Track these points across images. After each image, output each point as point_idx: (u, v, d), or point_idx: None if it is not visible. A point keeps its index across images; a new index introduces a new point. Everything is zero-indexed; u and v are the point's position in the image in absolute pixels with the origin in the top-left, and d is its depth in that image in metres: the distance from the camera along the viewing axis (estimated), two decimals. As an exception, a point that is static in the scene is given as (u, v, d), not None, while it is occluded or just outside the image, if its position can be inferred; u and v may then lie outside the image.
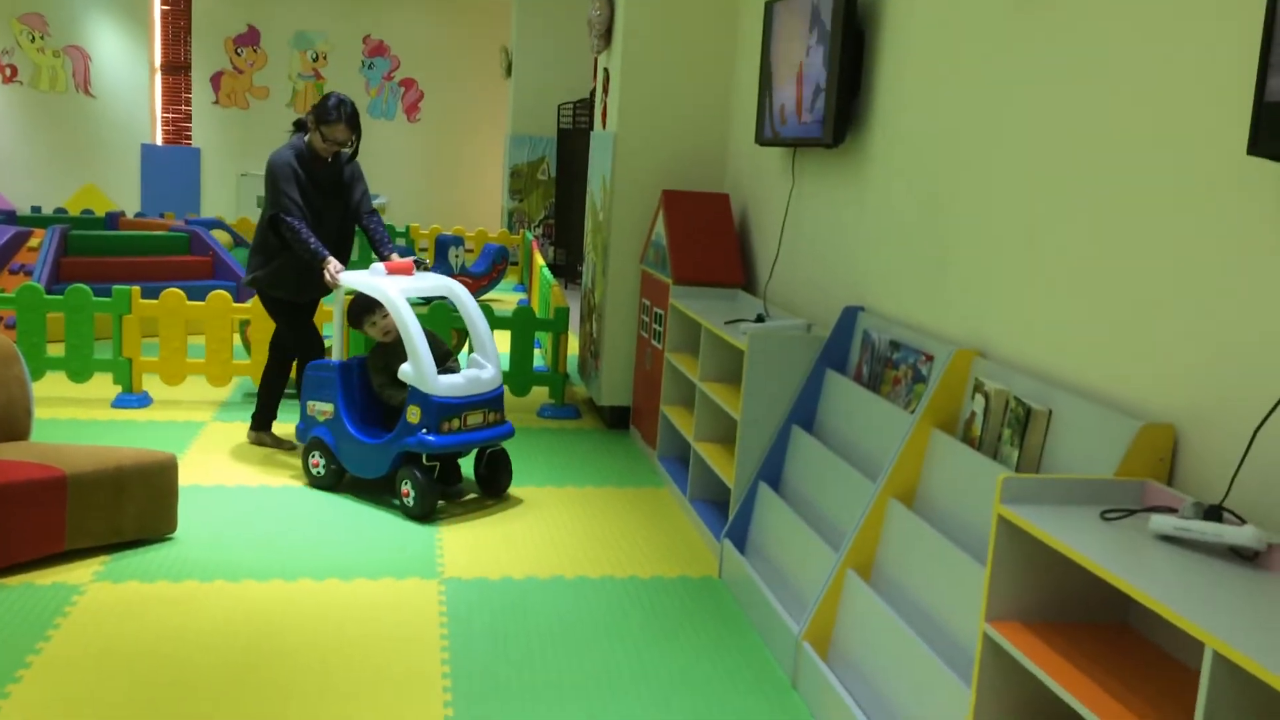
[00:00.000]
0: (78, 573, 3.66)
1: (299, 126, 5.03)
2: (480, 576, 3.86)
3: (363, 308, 4.67)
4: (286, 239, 4.87)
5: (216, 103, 14.14)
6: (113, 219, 9.79)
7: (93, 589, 3.55)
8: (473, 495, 4.74)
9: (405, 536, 4.20)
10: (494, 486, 4.71)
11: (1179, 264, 2.39)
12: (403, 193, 14.34)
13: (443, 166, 14.71)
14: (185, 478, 4.66)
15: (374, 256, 4.95)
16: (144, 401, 6.00)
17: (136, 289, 5.97)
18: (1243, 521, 1.99)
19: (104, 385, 6.16)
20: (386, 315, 4.57)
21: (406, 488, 4.36)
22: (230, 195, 13.98)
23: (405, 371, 4.37)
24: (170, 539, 4.02)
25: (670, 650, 3.36)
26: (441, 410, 4.32)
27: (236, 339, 6.66)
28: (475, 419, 4.45)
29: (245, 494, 4.61)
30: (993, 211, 3.17)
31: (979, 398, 2.97)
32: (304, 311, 5.20)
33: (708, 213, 5.38)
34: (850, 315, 3.94)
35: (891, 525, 3.13)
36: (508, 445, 4.80)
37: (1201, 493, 2.26)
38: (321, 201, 4.98)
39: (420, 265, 4.83)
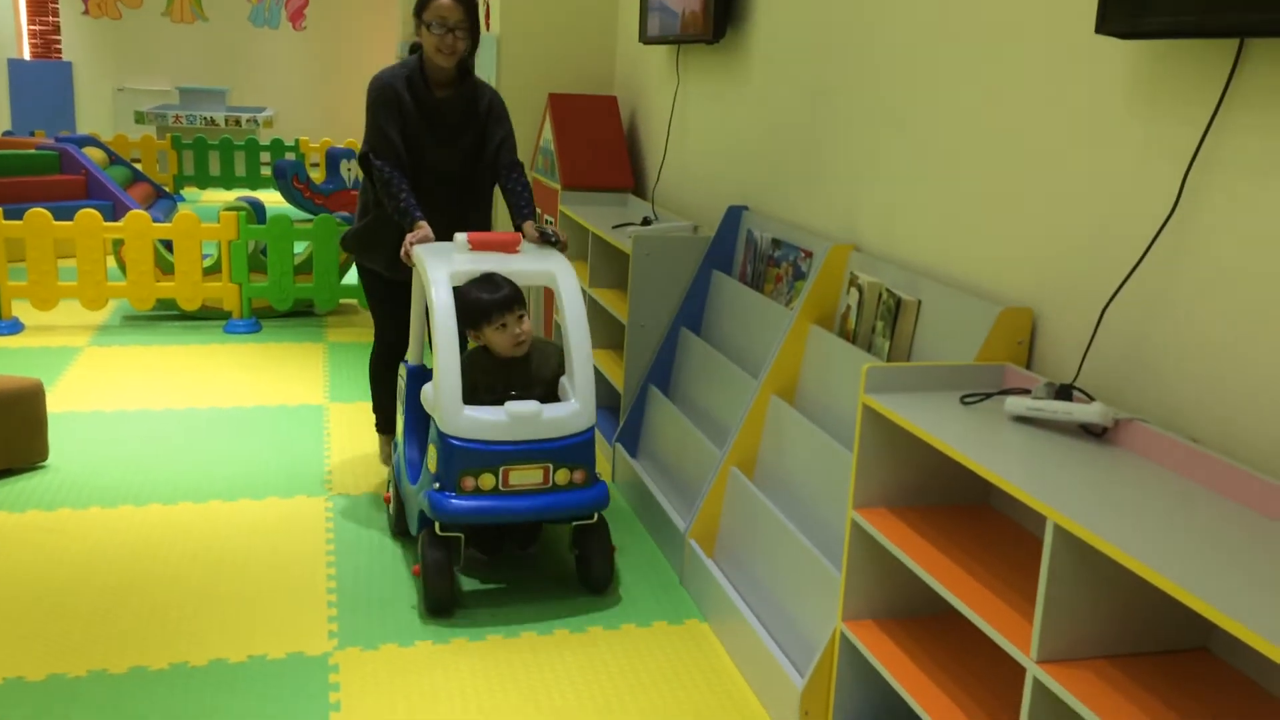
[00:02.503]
0: (-59, 505, 3.52)
1: (415, 50, 3.59)
2: (368, 492, 3.81)
3: (477, 307, 3.09)
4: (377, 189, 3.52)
5: (86, 13, 13.37)
6: (-23, 138, 9.26)
7: (-42, 521, 3.42)
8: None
9: (292, 455, 4.12)
10: (586, 577, 3.13)
11: (1034, 151, 2.40)
12: (291, 104, 13.82)
13: (333, 76, 14.18)
14: (60, 404, 4.50)
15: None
16: (14, 328, 5.74)
17: (-2, 209, 5.68)
18: (1091, 399, 2.04)
19: (-28, 312, 5.88)
20: (524, 317, 3.14)
21: (417, 564, 3.02)
22: (106, 111, 13.31)
23: (425, 394, 3.10)
24: (42, 467, 3.88)
25: (563, 552, 3.37)
26: (462, 459, 2.89)
27: (111, 261, 6.39)
28: (527, 477, 2.94)
29: (124, 419, 4.46)
30: (867, 104, 3.15)
31: (853, 291, 2.98)
32: (403, 291, 3.76)
33: (595, 116, 5.28)
34: (734, 215, 3.92)
35: (772, 421, 3.16)
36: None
37: (1057, 375, 2.31)
38: (435, 142, 3.56)
39: (551, 241, 3.39)
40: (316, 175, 10.45)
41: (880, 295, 2.85)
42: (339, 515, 3.59)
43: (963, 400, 2.20)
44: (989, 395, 2.20)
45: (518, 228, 3.48)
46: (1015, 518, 2.29)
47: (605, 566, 3.10)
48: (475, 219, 3.68)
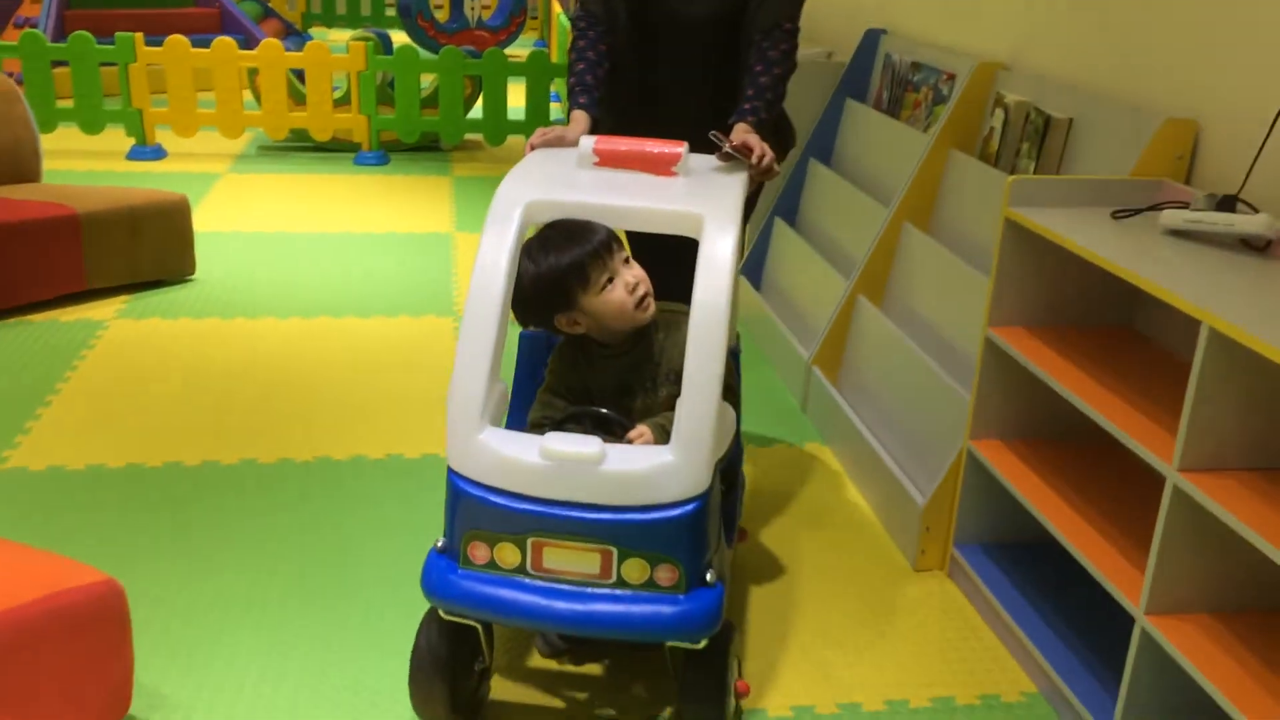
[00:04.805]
0: (101, 310, 3.72)
1: None
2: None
3: (557, 275, 1.87)
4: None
5: None
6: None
7: (116, 324, 3.62)
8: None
9: (421, 278, 4.22)
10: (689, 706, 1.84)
11: (1217, -51, 2.21)
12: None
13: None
14: (203, 225, 4.66)
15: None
16: (158, 154, 5.95)
17: (139, 35, 5.82)
18: (1256, 211, 1.93)
19: (118, 139, 6.09)
20: (631, 261, 1.94)
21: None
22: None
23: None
24: (190, 280, 4.06)
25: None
26: (470, 513, 1.74)
27: (248, 94, 6.52)
28: (573, 561, 1.72)
29: (262, 240, 4.62)
30: (1024, -89, 2.94)
31: (998, 112, 2.85)
32: None
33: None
34: (872, 39, 3.76)
35: (903, 248, 3.09)
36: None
37: (1219, 190, 2.18)
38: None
39: (739, 156, 2.05)
40: (441, 14, 10.37)
41: (1028, 114, 2.72)
42: (468, 334, 3.69)
43: (1114, 215, 2.10)
44: (1142, 210, 2.10)
45: (729, 126, 2.22)
46: (1162, 342, 2.21)
47: (714, 713, 1.82)
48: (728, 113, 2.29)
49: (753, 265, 4.00)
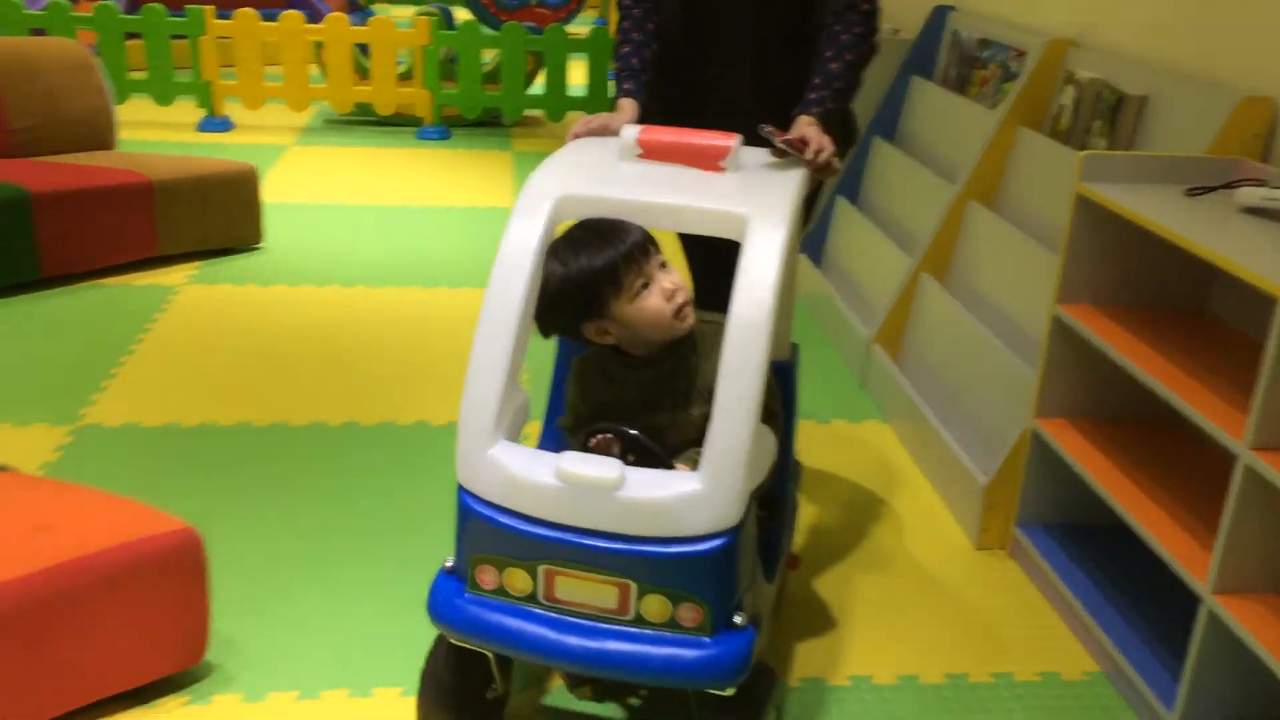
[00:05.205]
0: (172, 276, 3.81)
1: None
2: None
3: (588, 278, 1.68)
4: None
5: None
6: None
7: (187, 290, 3.70)
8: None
9: (485, 252, 4.26)
10: None
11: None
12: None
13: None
14: (269, 195, 4.74)
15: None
16: (226, 126, 6.06)
17: (210, 8, 5.93)
18: (1338, 189, 1.89)
19: (187, 111, 6.21)
20: (668, 265, 1.73)
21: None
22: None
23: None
24: (257, 249, 4.14)
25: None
26: (478, 535, 1.60)
27: (314, 69, 6.60)
28: (588, 593, 1.56)
29: (327, 211, 4.70)
30: (1102, -116, 2.90)
31: (1069, 89, 2.82)
32: None
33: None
34: (939, 15, 3.72)
35: (969, 226, 3.06)
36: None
37: (1299, 170, 2.14)
38: None
39: (793, 152, 1.86)
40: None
41: (1100, 92, 2.68)
42: (528, 306, 3.73)
43: (1188, 192, 2.07)
44: (1217, 187, 2.07)
45: (792, 118, 2.00)
46: (1234, 322, 2.18)
47: None
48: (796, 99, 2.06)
49: (813, 242, 3.99)
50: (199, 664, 1.90)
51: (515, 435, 1.62)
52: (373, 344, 3.36)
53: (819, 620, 2.16)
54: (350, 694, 1.90)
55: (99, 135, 4.09)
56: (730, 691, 1.56)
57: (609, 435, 1.65)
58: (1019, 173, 2.98)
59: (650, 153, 1.80)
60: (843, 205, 3.86)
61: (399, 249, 4.24)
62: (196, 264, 3.93)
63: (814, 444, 2.85)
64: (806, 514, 2.52)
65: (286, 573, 2.22)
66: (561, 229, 1.69)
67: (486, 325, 1.60)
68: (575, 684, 1.92)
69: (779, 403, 1.84)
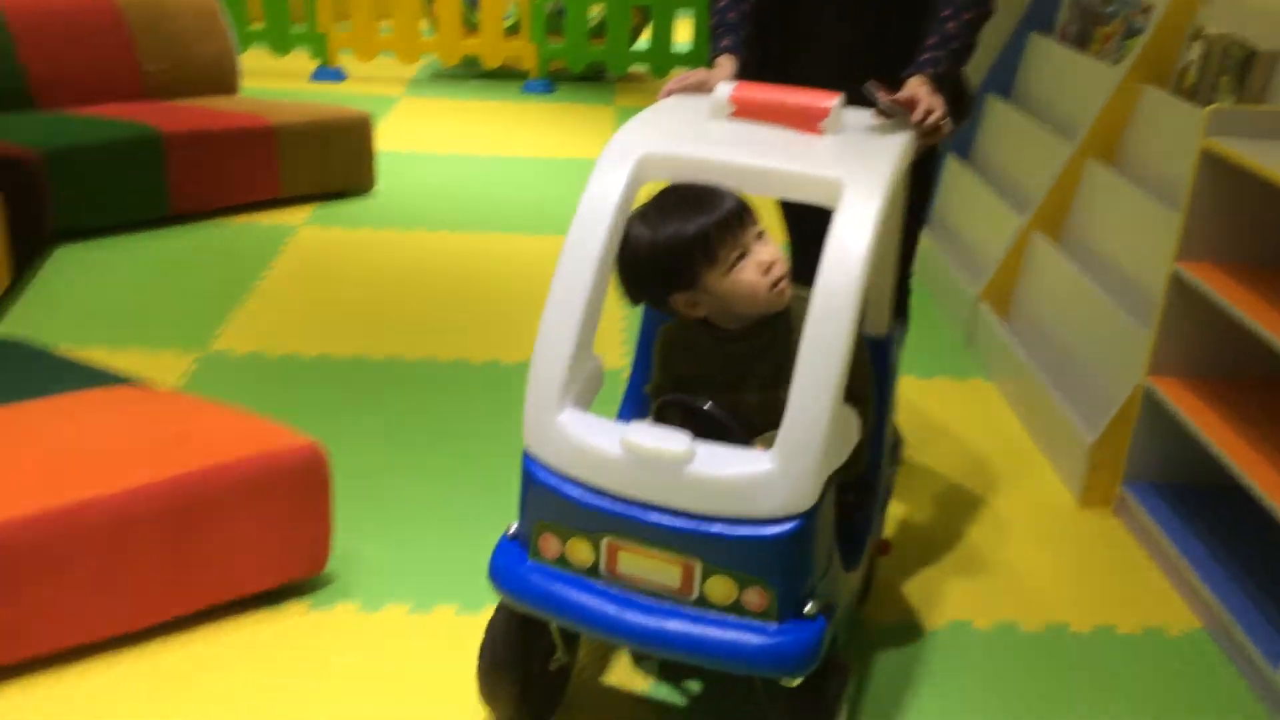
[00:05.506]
0: (292, 216, 3.96)
1: None
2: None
3: (678, 246, 1.58)
4: None
5: None
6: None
7: (305, 230, 3.84)
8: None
9: (588, 200, 4.32)
10: None
11: None
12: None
13: None
14: (382, 144, 4.86)
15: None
16: (339, 76, 6.22)
17: (327, -40, 6.06)
18: None
19: (302, 61, 6.37)
20: (765, 235, 1.61)
21: None
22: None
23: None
24: (371, 194, 4.26)
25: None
26: (541, 502, 1.57)
27: (424, 23, 6.71)
28: (650, 570, 1.51)
29: (437, 160, 4.80)
30: None
31: (1197, 45, 2.74)
32: None
33: None
34: (1062, -30, 3.64)
35: (1085, 185, 3.01)
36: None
37: None
38: None
39: (898, 112, 1.73)
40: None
41: (1228, 47, 2.61)
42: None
43: (1323, 147, 2.02)
44: (1356, 142, 2.01)
45: (903, 80, 1.84)
46: (1363, 283, 2.12)
47: None
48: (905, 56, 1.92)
49: (920, 202, 3.96)
50: (321, 573, 2.00)
51: (587, 403, 1.56)
52: (480, 286, 3.45)
53: (919, 565, 2.18)
54: (459, 610, 1.99)
55: (224, 79, 4.24)
56: (796, 683, 1.49)
57: (681, 406, 1.59)
58: (1140, 130, 2.92)
59: (743, 111, 1.68)
60: (950, 162, 3.82)
61: (504, 197, 4.33)
62: (313, 206, 4.06)
63: (916, 400, 2.86)
64: (906, 468, 2.53)
65: (402, 495, 2.31)
66: (647, 193, 1.60)
67: (559, 290, 1.53)
68: (642, 656, 1.88)
69: (870, 383, 1.71)
